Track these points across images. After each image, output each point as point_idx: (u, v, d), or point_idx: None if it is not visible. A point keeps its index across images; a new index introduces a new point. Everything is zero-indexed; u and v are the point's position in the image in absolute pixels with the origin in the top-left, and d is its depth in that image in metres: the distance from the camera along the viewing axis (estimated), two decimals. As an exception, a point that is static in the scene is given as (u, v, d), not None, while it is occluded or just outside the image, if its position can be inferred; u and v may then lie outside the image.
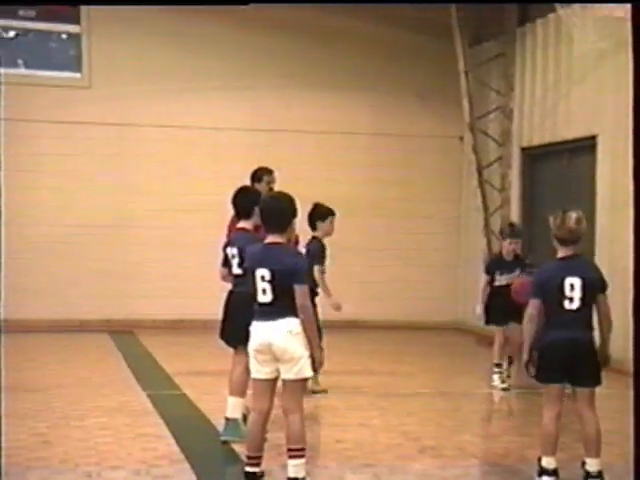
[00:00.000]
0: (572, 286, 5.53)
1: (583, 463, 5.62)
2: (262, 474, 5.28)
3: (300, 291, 5.14)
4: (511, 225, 10.03)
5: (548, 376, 5.64)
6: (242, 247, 6.40)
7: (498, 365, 9.14)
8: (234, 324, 6.50)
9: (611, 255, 10.48)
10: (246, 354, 5.50)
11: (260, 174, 8.25)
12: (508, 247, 9.18)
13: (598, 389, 5.68)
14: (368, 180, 14.56)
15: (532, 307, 5.69)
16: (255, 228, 6.57)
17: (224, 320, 6.81)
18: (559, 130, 12.12)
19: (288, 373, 5.16)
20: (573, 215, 5.57)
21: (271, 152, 12.91)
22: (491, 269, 9.21)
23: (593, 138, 11.20)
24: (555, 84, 12.24)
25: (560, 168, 12.31)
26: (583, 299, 5.53)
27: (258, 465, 5.26)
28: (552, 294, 5.57)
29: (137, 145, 13.90)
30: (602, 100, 11.08)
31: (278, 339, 5.14)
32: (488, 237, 13.08)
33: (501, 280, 9.07)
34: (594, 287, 5.58)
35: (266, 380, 5.26)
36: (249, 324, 5.31)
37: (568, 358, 5.54)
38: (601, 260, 9.60)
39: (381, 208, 14.60)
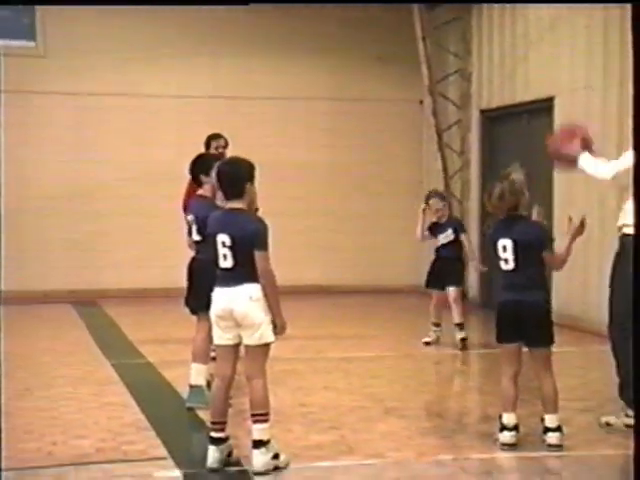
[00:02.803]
0: (504, 247, 5.63)
1: (542, 419, 5.75)
2: (227, 439, 5.34)
3: (261, 256, 5.15)
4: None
5: (502, 336, 5.75)
6: (198, 214, 6.46)
7: (436, 324, 9.63)
8: (196, 290, 6.57)
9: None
10: (208, 320, 5.52)
11: (208, 140, 8.34)
12: (433, 209, 9.71)
13: (557, 347, 5.78)
14: (329, 145, 14.54)
15: None
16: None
17: (188, 287, 6.85)
18: (517, 92, 12.17)
19: (250, 339, 5.19)
20: (496, 191, 5.66)
21: (232, 119, 12.96)
22: (433, 233, 9.81)
23: (550, 100, 11.27)
24: (512, 47, 12.28)
25: (519, 130, 12.38)
26: (516, 260, 5.59)
27: (223, 430, 5.30)
28: (493, 256, 5.75)
29: (96, 115, 13.76)
30: (558, 62, 11.15)
31: (239, 305, 5.15)
32: (449, 200, 13.14)
33: (439, 240, 9.71)
34: (529, 247, 5.60)
35: (228, 346, 5.28)
36: (211, 290, 5.33)
37: (515, 320, 5.63)
38: (560, 220, 9.71)
39: (342, 173, 14.61)
